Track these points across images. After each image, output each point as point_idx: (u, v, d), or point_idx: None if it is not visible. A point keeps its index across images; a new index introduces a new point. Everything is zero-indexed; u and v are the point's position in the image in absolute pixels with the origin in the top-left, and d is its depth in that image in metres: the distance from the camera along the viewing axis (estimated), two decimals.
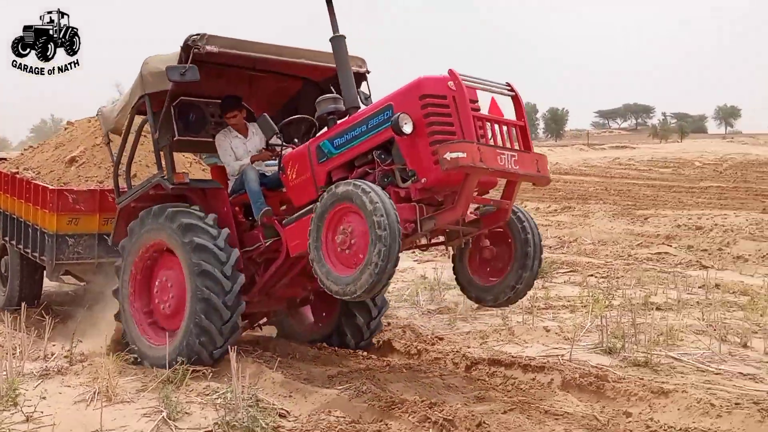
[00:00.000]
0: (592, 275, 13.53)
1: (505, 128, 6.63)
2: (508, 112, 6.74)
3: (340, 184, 6.43)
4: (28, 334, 8.82)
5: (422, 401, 6.65)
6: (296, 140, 8.47)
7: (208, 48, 7.49)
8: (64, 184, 9.83)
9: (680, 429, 6.25)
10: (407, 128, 6.33)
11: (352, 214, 6.28)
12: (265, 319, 9.15)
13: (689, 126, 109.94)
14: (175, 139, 8.54)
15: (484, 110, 6.58)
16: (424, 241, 7.43)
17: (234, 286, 7.32)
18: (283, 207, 7.97)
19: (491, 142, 6.43)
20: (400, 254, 6.12)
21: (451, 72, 6.43)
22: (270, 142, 7.98)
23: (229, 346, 7.14)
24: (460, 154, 6.04)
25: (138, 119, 8.63)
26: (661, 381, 7.35)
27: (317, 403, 6.73)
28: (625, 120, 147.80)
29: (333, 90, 7.71)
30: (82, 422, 6.26)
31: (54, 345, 8.58)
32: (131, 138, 8.70)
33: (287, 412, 6.41)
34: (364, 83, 8.42)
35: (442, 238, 7.37)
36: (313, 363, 8.09)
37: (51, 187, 9.39)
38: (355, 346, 8.51)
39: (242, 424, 5.86)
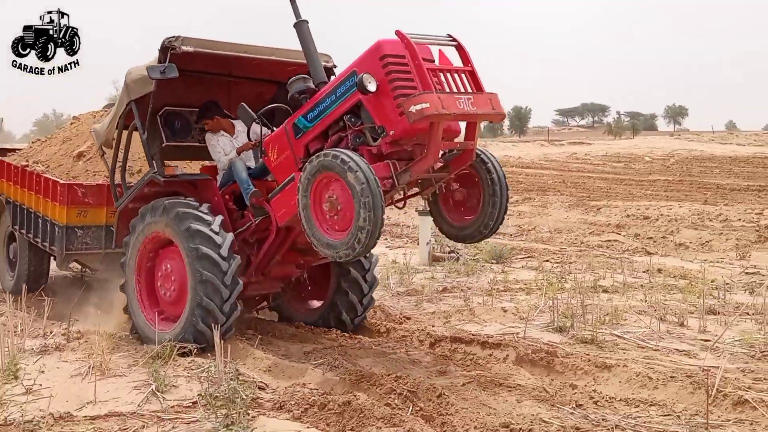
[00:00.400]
0: (547, 260, 13.62)
1: (456, 75, 6.59)
2: (457, 62, 6.75)
3: (319, 155, 6.41)
4: (29, 314, 8.82)
5: (389, 375, 6.71)
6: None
7: (184, 48, 7.49)
8: (72, 178, 9.77)
9: (620, 400, 6.34)
10: (371, 86, 6.34)
11: (334, 182, 6.27)
12: (265, 303, 9.11)
13: (641, 124, 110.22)
14: (163, 145, 8.58)
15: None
16: (400, 196, 7.35)
17: (231, 266, 7.29)
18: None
19: (447, 90, 6.41)
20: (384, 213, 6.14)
21: (398, 33, 6.43)
22: (251, 129, 7.90)
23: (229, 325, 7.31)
24: (424, 105, 6.05)
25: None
26: (605, 356, 7.45)
27: (293, 376, 6.79)
28: (583, 118, 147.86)
29: None
30: (77, 394, 6.29)
31: (53, 324, 8.58)
32: (122, 146, 8.70)
33: (266, 384, 6.45)
34: (332, 77, 8.19)
35: (416, 190, 7.34)
36: (291, 341, 8.13)
37: (61, 182, 9.33)
38: (351, 323, 8.46)
39: (224, 395, 5.87)
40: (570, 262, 13.25)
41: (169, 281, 7.80)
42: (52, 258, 10.35)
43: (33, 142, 12.45)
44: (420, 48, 6.49)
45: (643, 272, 12.28)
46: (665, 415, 5.96)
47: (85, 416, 5.74)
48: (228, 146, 8.20)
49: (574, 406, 6.16)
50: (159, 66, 7.43)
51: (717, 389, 6.26)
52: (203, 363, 6.85)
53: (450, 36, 6.80)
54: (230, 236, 7.46)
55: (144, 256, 8.01)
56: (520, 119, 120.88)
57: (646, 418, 5.89)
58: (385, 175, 6.50)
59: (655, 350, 7.83)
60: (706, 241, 16.66)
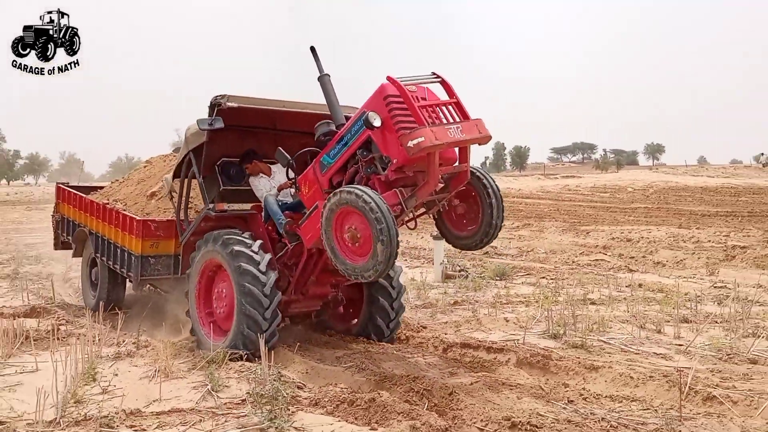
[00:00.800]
0: (543, 277, 13.59)
1: (445, 108, 6.57)
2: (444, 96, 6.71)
3: (337, 192, 6.41)
4: (105, 326, 8.92)
5: (407, 376, 6.74)
6: None
7: (229, 104, 7.54)
8: (146, 215, 9.84)
9: (606, 396, 6.34)
10: (377, 122, 6.36)
11: (353, 215, 6.26)
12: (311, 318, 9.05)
13: (624, 159, 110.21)
14: (221, 189, 8.61)
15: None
16: (409, 217, 7.25)
17: (269, 279, 7.30)
18: None
19: (439, 122, 6.39)
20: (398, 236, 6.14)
21: (389, 78, 6.46)
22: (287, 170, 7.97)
23: (272, 331, 7.30)
24: (420, 139, 6.09)
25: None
26: (593, 359, 7.42)
27: (327, 377, 6.82)
28: (574, 155, 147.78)
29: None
30: (145, 394, 6.35)
31: (125, 334, 8.66)
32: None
33: (303, 384, 6.49)
34: None
35: (422, 210, 7.27)
36: (325, 347, 8.15)
37: (138, 218, 9.41)
38: (387, 328, 8.36)
39: (268, 394, 5.94)
40: (563, 279, 13.22)
41: (222, 300, 7.84)
42: (127, 280, 10.44)
43: (112, 182, 12.42)
44: (418, 88, 6.53)
45: (626, 287, 12.24)
46: (644, 410, 5.95)
47: (151, 412, 5.79)
48: (267, 186, 8.24)
49: (566, 401, 6.15)
50: (208, 119, 7.55)
51: (689, 387, 6.26)
52: (251, 367, 6.90)
53: (434, 74, 6.78)
54: (268, 255, 7.49)
55: (202, 282, 8.05)
56: (520, 157, 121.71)
57: (628, 412, 5.88)
58: (394, 202, 6.50)
59: (636, 354, 7.81)
60: (681, 260, 16.58)
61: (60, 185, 12.39)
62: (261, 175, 8.38)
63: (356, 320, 8.68)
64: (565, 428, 5.33)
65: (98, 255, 10.48)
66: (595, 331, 8.74)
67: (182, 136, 8.69)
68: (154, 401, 6.12)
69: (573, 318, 9.11)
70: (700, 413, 5.79)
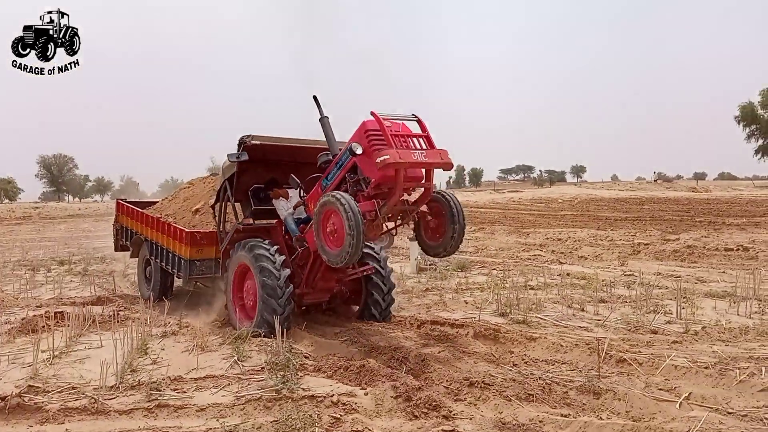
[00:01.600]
0: (494, 269, 13.56)
1: (416, 140, 6.57)
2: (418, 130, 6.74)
3: (324, 195, 6.57)
4: (154, 311, 8.85)
5: (390, 347, 6.73)
6: None
7: (253, 142, 7.59)
8: (192, 227, 9.81)
9: (542, 360, 6.33)
10: (358, 150, 6.46)
11: (333, 214, 6.35)
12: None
13: (555, 177, 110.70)
14: (253, 209, 8.64)
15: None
16: (391, 226, 7.25)
17: (282, 274, 7.30)
18: None
19: (411, 148, 6.44)
20: (368, 234, 6.28)
21: (372, 113, 6.50)
22: (299, 192, 7.93)
23: (286, 315, 7.21)
24: (386, 157, 6.16)
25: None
26: (532, 332, 7.41)
27: (327, 349, 6.78)
28: (517, 174, 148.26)
29: None
30: (186, 364, 6.30)
31: (170, 317, 8.59)
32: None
33: (309, 355, 6.46)
34: None
35: (400, 221, 7.20)
36: (326, 325, 8.10)
37: (186, 230, 9.42)
38: (379, 315, 8.25)
39: (281, 362, 5.92)
40: (509, 270, 13.21)
41: (249, 293, 7.82)
42: (175, 277, 10.40)
43: (162, 200, 12.37)
44: (393, 123, 6.58)
45: (557, 275, 12.25)
46: (571, 370, 5.95)
47: (191, 378, 5.75)
48: (285, 206, 8.22)
49: (511, 365, 6.16)
50: (236, 153, 7.63)
51: (605, 352, 6.27)
52: (268, 342, 6.87)
53: (413, 114, 6.81)
54: (282, 257, 7.50)
55: (235, 280, 8.02)
56: (476, 176, 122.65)
57: (559, 372, 5.88)
58: (370, 209, 6.54)
59: (564, 327, 7.81)
60: (599, 254, 16.62)
61: (120, 201, 12.34)
62: (281, 198, 8.37)
63: (357, 308, 8.55)
64: (511, 386, 5.32)
65: (152, 257, 10.42)
66: (534, 310, 8.72)
67: (215, 162, 8.74)
68: (192, 369, 6.07)
69: (517, 300, 9.09)
70: (614, 372, 5.79)
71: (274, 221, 8.52)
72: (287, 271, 7.41)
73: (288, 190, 8.45)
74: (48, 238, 28.52)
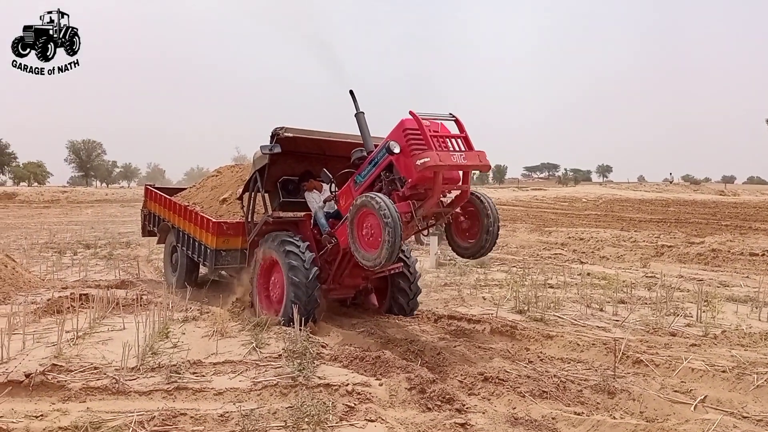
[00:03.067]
0: (514, 266, 13.55)
1: (454, 141, 6.49)
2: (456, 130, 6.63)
3: (361, 196, 6.43)
4: (176, 296, 9.00)
5: (406, 339, 6.77)
6: None
7: (287, 134, 7.56)
8: (219, 217, 9.81)
9: (558, 358, 6.34)
10: (396, 149, 6.39)
11: (370, 215, 6.25)
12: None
13: (580, 176, 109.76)
14: (281, 201, 8.68)
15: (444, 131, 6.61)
16: (424, 226, 7.07)
17: (311, 272, 7.23)
18: None
19: (450, 149, 6.34)
20: (403, 235, 6.06)
21: (411, 112, 6.42)
22: (331, 187, 7.84)
23: (312, 312, 7.17)
24: (426, 159, 6.09)
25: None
26: (549, 330, 7.42)
27: (344, 339, 6.86)
28: (542, 172, 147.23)
29: None
30: (205, 348, 6.41)
31: (191, 303, 8.73)
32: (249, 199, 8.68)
33: (326, 344, 6.50)
34: None
35: (433, 221, 7.06)
36: (344, 316, 8.18)
37: (213, 220, 9.42)
38: (407, 305, 8.22)
39: (299, 350, 5.98)
40: (529, 268, 13.18)
41: (276, 287, 7.78)
42: (200, 264, 10.47)
43: (190, 188, 12.34)
44: (431, 123, 6.48)
45: (578, 275, 12.19)
46: (587, 369, 5.95)
47: (210, 362, 5.83)
48: (318, 199, 8.16)
49: (527, 362, 6.16)
50: (269, 144, 7.58)
51: (622, 353, 6.25)
52: (286, 330, 6.93)
53: (451, 114, 6.72)
54: (312, 254, 7.43)
55: (262, 272, 7.98)
56: (500, 173, 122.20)
57: (574, 371, 5.88)
58: (406, 210, 6.45)
59: (582, 326, 7.79)
60: (621, 255, 16.50)
61: (148, 187, 12.41)
62: (314, 190, 8.33)
63: (384, 301, 8.51)
64: (525, 382, 5.33)
65: (179, 245, 10.49)
66: (552, 309, 8.71)
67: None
68: (212, 354, 6.16)
69: (535, 298, 9.09)
70: (629, 373, 5.78)
71: (302, 214, 8.50)
72: (316, 269, 7.34)
73: (322, 184, 8.37)
74: (75, 221, 29.04)
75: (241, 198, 9.14)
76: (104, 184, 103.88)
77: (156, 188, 12.16)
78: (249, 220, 8.61)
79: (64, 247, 16.48)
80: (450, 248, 7.47)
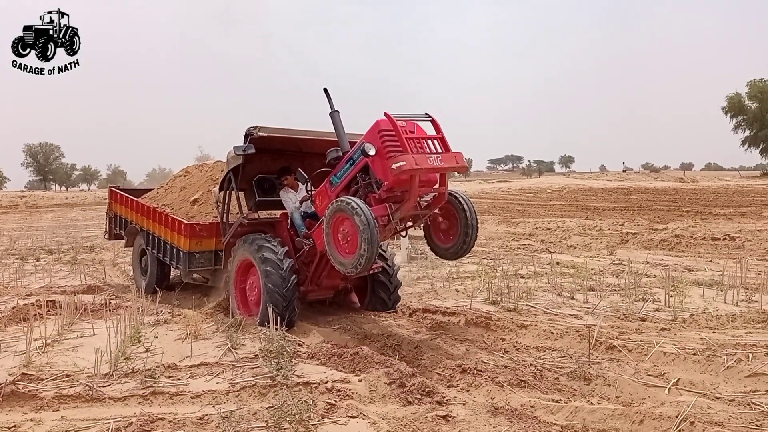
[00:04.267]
0: (484, 258, 13.65)
1: (431, 142, 6.46)
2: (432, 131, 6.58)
3: (336, 200, 6.34)
4: (146, 300, 8.85)
5: (383, 334, 6.79)
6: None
7: (260, 133, 7.34)
8: (191, 218, 9.59)
9: (533, 347, 6.41)
10: (371, 151, 6.30)
11: (346, 220, 6.16)
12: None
13: (544, 167, 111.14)
14: (257, 200, 8.48)
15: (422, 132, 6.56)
16: (402, 228, 7.11)
17: (285, 265, 7.12)
18: None
19: (426, 152, 6.30)
20: (380, 238, 6.05)
21: (386, 114, 6.34)
22: (307, 186, 7.79)
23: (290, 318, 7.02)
24: (402, 163, 6.02)
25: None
26: (523, 319, 7.50)
27: (321, 336, 6.82)
28: (506, 164, 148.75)
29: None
30: (179, 351, 6.33)
31: (162, 306, 8.60)
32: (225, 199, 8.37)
33: (303, 342, 6.48)
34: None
35: (411, 223, 7.09)
36: (321, 314, 8.12)
37: (185, 222, 9.21)
38: (388, 299, 8.16)
39: (275, 350, 5.94)
40: (499, 259, 13.30)
41: (253, 291, 7.67)
42: (173, 267, 10.28)
43: (158, 188, 12.09)
44: (407, 123, 6.42)
45: (547, 264, 12.35)
46: (562, 357, 6.03)
47: (185, 365, 5.76)
48: (293, 198, 8.05)
49: (503, 352, 6.23)
50: (242, 146, 7.35)
51: (596, 339, 6.36)
52: (262, 329, 6.88)
53: (427, 114, 6.66)
54: (285, 249, 7.35)
55: (238, 275, 7.86)
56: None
57: (550, 359, 5.96)
58: (383, 213, 6.40)
59: (555, 315, 7.88)
60: (587, 243, 16.75)
61: (113, 188, 12.11)
62: (290, 190, 8.19)
63: (365, 298, 8.44)
64: (503, 372, 5.38)
65: (149, 248, 10.25)
66: (524, 298, 8.80)
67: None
68: (186, 357, 6.09)
69: (507, 288, 9.17)
70: (604, 359, 5.88)
71: (279, 214, 8.36)
72: (294, 277, 7.23)
73: (299, 183, 8.23)
74: (35, 227, 28.30)
75: (217, 198, 8.91)
76: (64, 188, 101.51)
77: (121, 190, 11.90)
78: (224, 220, 8.45)
79: (26, 254, 16.05)
80: (427, 246, 7.45)
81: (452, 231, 7.04)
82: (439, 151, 6.44)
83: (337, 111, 7.37)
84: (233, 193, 8.18)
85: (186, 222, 9.24)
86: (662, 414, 4.27)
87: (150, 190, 12.12)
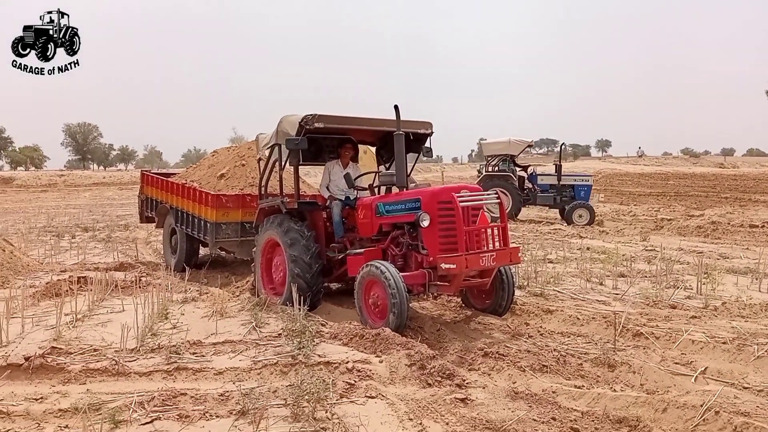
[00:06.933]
0: (513, 242, 13.53)
1: (492, 232, 6.37)
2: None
3: (368, 264, 6.27)
4: (175, 278, 8.99)
5: None
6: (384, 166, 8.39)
7: (316, 125, 7.00)
8: (218, 191, 9.75)
9: (558, 333, 6.33)
10: (425, 223, 6.21)
11: (377, 285, 6.15)
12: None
13: (580, 151, 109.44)
14: (300, 164, 7.83)
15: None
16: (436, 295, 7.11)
17: (312, 250, 7.10)
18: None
19: (482, 248, 6.20)
20: (409, 308, 6.02)
21: (452, 196, 6.19)
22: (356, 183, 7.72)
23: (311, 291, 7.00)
24: (452, 266, 5.94)
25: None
26: (549, 304, 7.40)
27: (343, 317, 6.84)
28: (541, 148, 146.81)
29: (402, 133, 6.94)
30: (205, 329, 6.42)
31: (191, 284, 8.72)
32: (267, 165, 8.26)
33: (326, 322, 6.50)
34: (428, 140, 7.83)
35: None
36: (343, 295, 8.16)
37: (212, 193, 9.40)
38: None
39: (298, 329, 5.98)
40: (529, 243, 13.18)
41: (279, 270, 7.67)
42: (200, 244, 10.47)
43: (187, 168, 12.40)
44: (472, 199, 6.29)
45: (577, 249, 12.19)
46: (587, 342, 5.93)
47: (209, 342, 5.84)
48: (338, 175, 7.88)
49: (527, 336, 6.15)
50: (294, 139, 7.04)
51: (623, 326, 6.25)
52: (286, 309, 6.93)
53: (496, 193, 6.60)
54: (313, 233, 7.30)
55: (264, 251, 7.86)
56: None
57: (574, 345, 5.86)
58: (419, 282, 6.31)
59: (582, 300, 7.77)
60: (621, 229, 16.51)
61: (144, 172, 12.44)
62: (340, 165, 8.03)
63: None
64: (525, 356, 5.32)
65: (178, 225, 10.47)
66: (552, 283, 8.70)
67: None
68: (211, 334, 6.17)
69: (535, 273, 9.08)
70: (630, 346, 5.77)
71: (317, 198, 8.11)
72: (317, 247, 7.20)
73: (351, 162, 8.12)
74: (73, 205, 29.00)
75: (259, 161, 8.72)
76: (101, 168, 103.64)
77: (152, 173, 12.19)
78: (263, 184, 8.31)
79: (63, 231, 16.46)
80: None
81: (490, 295, 7.04)
82: (496, 246, 6.35)
83: (402, 133, 6.92)
84: (277, 164, 7.90)
85: (213, 193, 9.38)
86: (687, 403, 4.17)
87: (178, 173, 12.41)
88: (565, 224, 17.92)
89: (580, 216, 17.90)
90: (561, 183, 19.37)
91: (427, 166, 64.25)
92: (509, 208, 18.79)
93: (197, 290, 8.34)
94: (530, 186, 19.61)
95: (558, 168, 19.57)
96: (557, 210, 19.84)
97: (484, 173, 20.25)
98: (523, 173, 20.04)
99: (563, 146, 23.35)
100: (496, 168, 20.14)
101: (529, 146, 20.72)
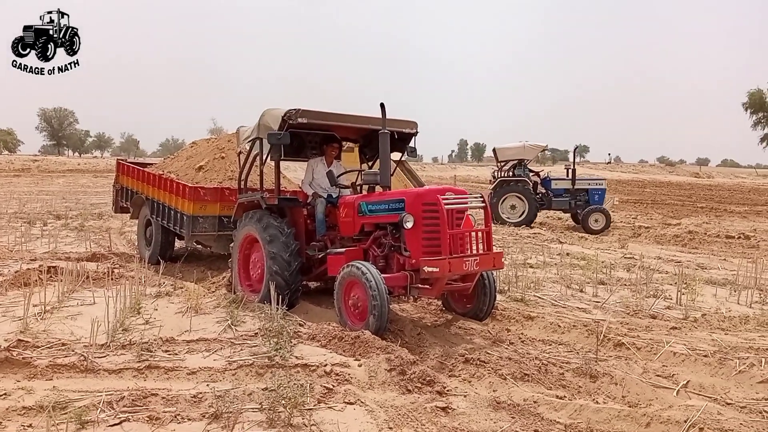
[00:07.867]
0: (493, 245, 13.48)
1: (476, 236, 6.29)
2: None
3: (350, 265, 6.13)
4: (149, 271, 8.77)
5: None
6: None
7: (300, 120, 6.89)
8: (196, 183, 9.54)
9: (539, 340, 6.27)
10: (408, 225, 6.08)
11: (358, 286, 6.03)
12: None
13: (558, 156, 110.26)
14: (281, 159, 7.69)
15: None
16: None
17: (292, 247, 6.97)
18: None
19: (466, 252, 6.12)
20: (389, 309, 5.91)
21: (437, 198, 6.07)
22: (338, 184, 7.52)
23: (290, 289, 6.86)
24: (435, 269, 5.84)
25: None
26: (530, 310, 7.34)
27: (321, 318, 6.71)
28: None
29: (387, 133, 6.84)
30: (179, 325, 6.25)
31: (165, 278, 8.51)
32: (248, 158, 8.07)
33: (304, 322, 6.37)
34: (413, 139, 7.74)
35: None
36: (322, 295, 8.01)
37: (189, 185, 9.20)
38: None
39: (275, 329, 5.83)
40: (509, 247, 13.14)
41: (256, 267, 7.55)
42: (175, 237, 10.25)
43: (165, 159, 12.14)
44: (456, 200, 6.17)
45: (557, 255, 12.18)
46: (569, 351, 5.88)
47: (183, 340, 5.68)
48: (321, 172, 7.77)
49: (508, 343, 6.07)
50: (277, 134, 6.89)
51: (604, 335, 6.20)
52: (263, 307, 6.78)
53: (481, 196, 6.49)
54: (292, 230, 7.15)
55: (242, 247, 7.72)
56: (479, 151, 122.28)
57: (556, 353, 5.81)
58: (401, 284, 6.21)
59: (563, 307, 7.72)
60: (599, 236, 16.58)
61: (120, 161, 12.15)
62: (323, 162, 7.91)
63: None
64: (507, 364, 5.22)
65: (154, 216, 10.24)
66: (532, 288, 8.65)
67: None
68: (185, 331, 6.01)
69: (515, 278, 9.02)
70: (611, 356, 5.72)
71: (298, 194, 8.01)
72: (297, 245, 7.08)
73: (335, 160, 8.01)
74: (46, 191, 28.41)
75: (239, 154, 8.58)
76: (77, 154, 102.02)
77: (128, 162, 11.91)
78: (243, 178, 8.17)
79: (34, 218, 16.05)
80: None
81: (471, 299, 6.96)
82: (480, 250, 6.26)
83: (387, 132, 6.81)
84: (258, 158, 7.77)
85: (190, 186, 9.18)
86: (670, 418, 4.11)
87: (156, 163, 12.16)
88: (542, 228, 17.94)
89: (596, 221, 17.67)
90: (575, 187, 19.01)
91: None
92: (525, 214, 18.68)
93: (171, 284, 8.13)
94: (543, 191, 19.34)
95: (572, 172, 19.25)
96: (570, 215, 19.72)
97: (499, 178, 19.80)
98: (536, 178, 19.77)
99: (577, 148, 23.09)
100: (510, 173, 19.83)
101: (544, 150, 20.34)
